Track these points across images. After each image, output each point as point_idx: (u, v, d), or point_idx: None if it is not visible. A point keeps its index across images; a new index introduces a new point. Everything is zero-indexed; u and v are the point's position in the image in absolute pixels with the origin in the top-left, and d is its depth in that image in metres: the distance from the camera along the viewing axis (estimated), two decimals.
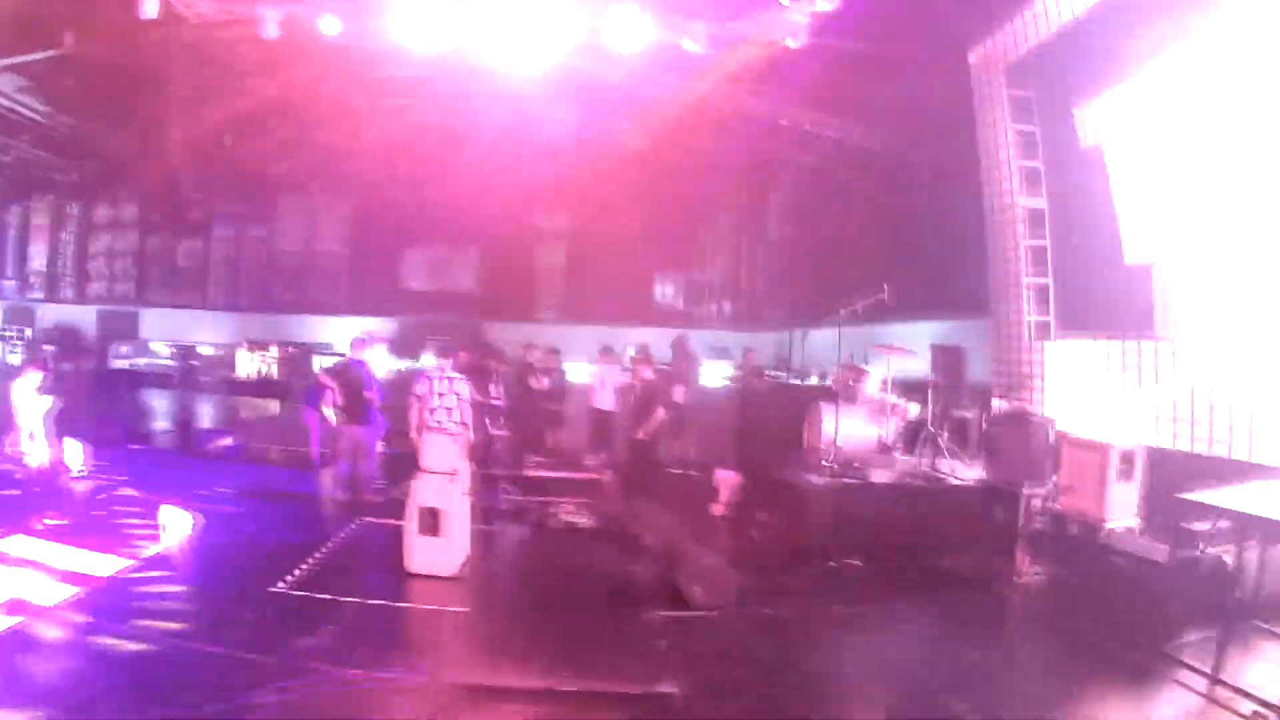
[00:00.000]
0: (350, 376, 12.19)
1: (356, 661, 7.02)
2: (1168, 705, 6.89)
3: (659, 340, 19.14)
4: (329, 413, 12.43)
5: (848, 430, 11.61)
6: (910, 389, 12.65)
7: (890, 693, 7.01)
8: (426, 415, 10.80)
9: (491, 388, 13.56)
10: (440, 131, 20.42)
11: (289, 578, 8.98)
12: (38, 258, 25.93)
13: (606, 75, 15.17)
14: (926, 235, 15.60)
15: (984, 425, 11.97)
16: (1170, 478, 8.90)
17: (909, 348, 12.81)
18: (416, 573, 9.31)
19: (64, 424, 13.00)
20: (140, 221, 26.23)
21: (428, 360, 12.27)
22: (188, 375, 22.16)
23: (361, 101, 18.89)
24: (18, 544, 9.53)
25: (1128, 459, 9.20)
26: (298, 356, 22.73)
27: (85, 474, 12.89)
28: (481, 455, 11.64)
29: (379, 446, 12.69)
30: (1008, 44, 12.59)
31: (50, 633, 7.35)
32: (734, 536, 11.29)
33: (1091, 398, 11.24)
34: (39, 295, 25.81)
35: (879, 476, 11.21)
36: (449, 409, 10.92)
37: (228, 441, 16.04)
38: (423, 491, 9.42)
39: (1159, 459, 9.50)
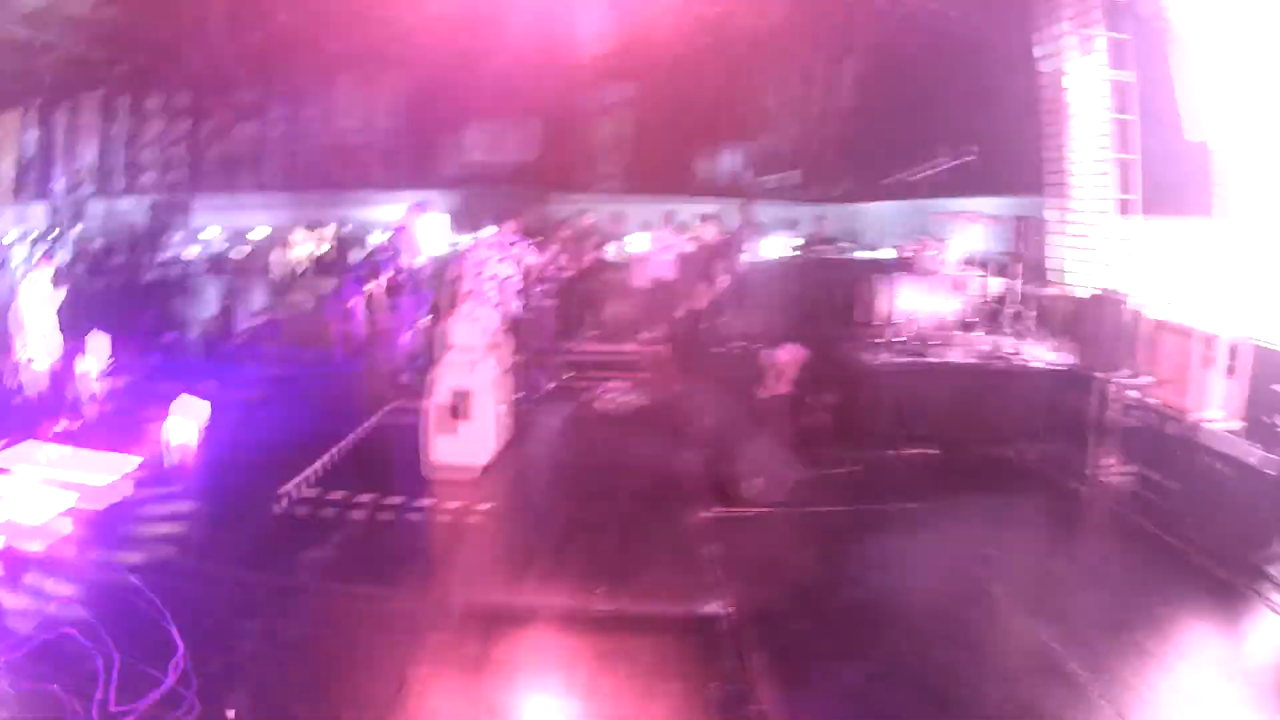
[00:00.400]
0: (391, 248, 11.60)
1: (361, 577, 6.47)
2: (1258, 631, 6.13)
3: (724, 211, 18.10)
4: (371, 288, 11.97)
5: (924, 305, 10.68)
6: (990, 264, 11.62)
7: (960, 605, 6.26)
8: (476, 284, 10.20)
9: (549, 256, 12.80)
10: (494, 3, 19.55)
11: (301, 478, 8.29)
12: (89, 154, 25.11)
13: None
14: (999, 108, 14.38)
15: (1072, 306, 10.95)
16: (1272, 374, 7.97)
17: (993, 216, 11.74)
18: (442, 464, 8.53)
19: (94, 319, 12.13)
20: (192, 108, 25.38)
21: (487, 232, 11.60)
22: (240, 261, 21.49)
23: None
24: (23, 452, 8.48)
25: (1233, 351, 8.17)
26: (353, 234, 22.16)
27: (109, 370, 12.02)
28: (529, 329, 10.91)
29: (423, 321, 12.08)
30: None
31: (41, 548, 6.83)
32: (795, 419, 10.51)
33: (1179, 282, 10.15)
34: (90, 191, 25.03)
35: (956, 356, 10.28)
36: (505, 278, 10.27)
37: (264, 326, 15.47)
38: (449, 371, 8.61)
39: (1262, 354, 8.47)
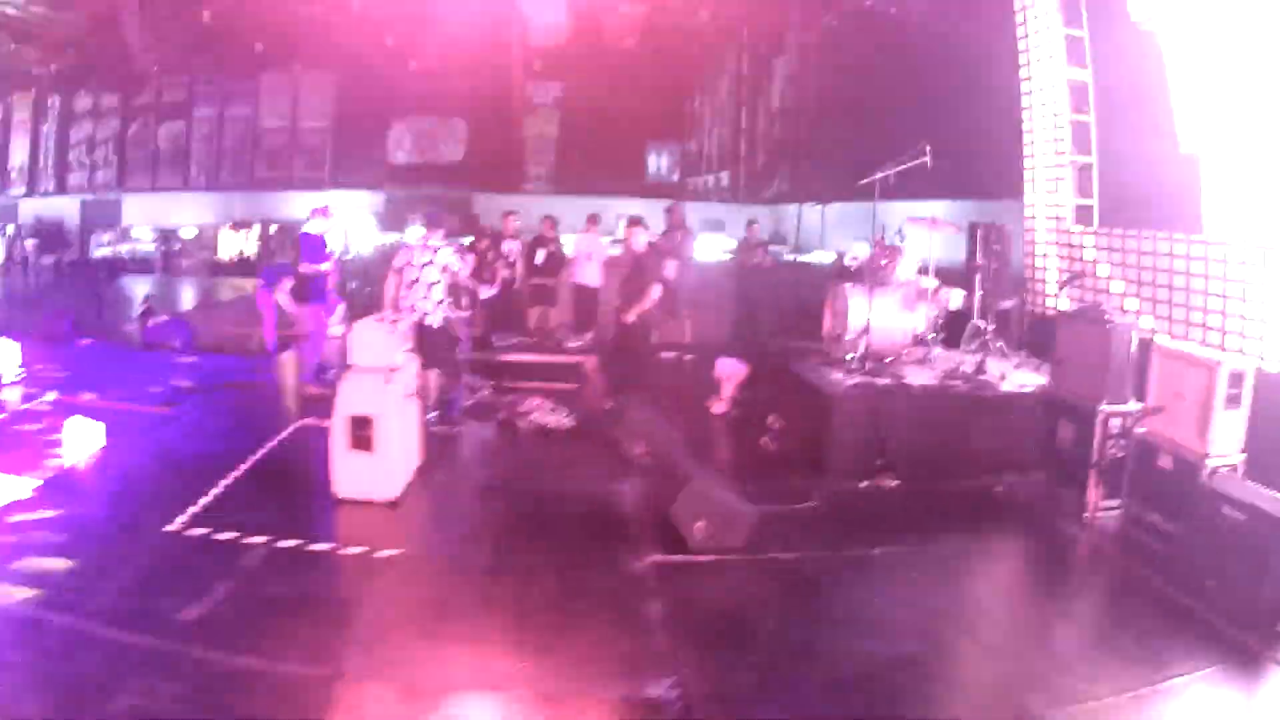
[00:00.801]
0: (302, 251, 10.55)
1: (240, 640, 5.26)
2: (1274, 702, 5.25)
3: (652, 212, 17.24)
4: (280, 295, 10.97)
5: (878, 319, 9.67)
6: (949, 273, 10.72)
7: (946, 669, 5.40)
8: (402, 292, 9.24)
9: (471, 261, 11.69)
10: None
11: (188, 515, 7.07)
12: (19, 153, 25.34)
13: None
14: (952, 107, 13.61)
15: (1045, 322, 10.11)
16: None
17: (953, 222, 10.84)
18: (347, 499, 7.39)
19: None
20: (121, 108, 25.42)
21: (413, 233, 10.77)
22: (168, 260, 21.44)
23: None
24: None
25: (1235, 380, 7.33)
26: (279, 234, 21.71)
27: (20, 378, 11.22)
28: (446, 340, 9.79)
29: (334, 329, 11.08)
30: None
31: None
32: (740, 444, 9.55)
33: (1168, 300, 9.39)
34: (20, 191, 25.10)
35: (917, 376, 9.35)
36: (430, 284, 9.20)
37: (178, 330, 14.25)
38: (349, 394, 7.38)
39: (1266, 382, 7.66)
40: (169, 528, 6.86)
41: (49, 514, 7.04)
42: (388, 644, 5.35)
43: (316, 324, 10.93)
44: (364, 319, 8.10)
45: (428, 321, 9.26)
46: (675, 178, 25.53)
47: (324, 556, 6.55)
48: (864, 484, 8.40)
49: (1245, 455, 7.27)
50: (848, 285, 10.04)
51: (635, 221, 11.07)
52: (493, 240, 13.17)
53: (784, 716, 4.80)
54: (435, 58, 21.47)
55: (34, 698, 4.57)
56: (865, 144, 15.41)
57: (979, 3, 12.66)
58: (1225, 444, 7.22)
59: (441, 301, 9.36)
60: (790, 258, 17.78)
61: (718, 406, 10.58)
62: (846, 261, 11.99)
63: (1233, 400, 7.23)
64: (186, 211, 23.76)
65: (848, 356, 9.60)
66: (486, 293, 11.69)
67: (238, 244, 21.92)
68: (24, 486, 7.48)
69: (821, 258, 16.92)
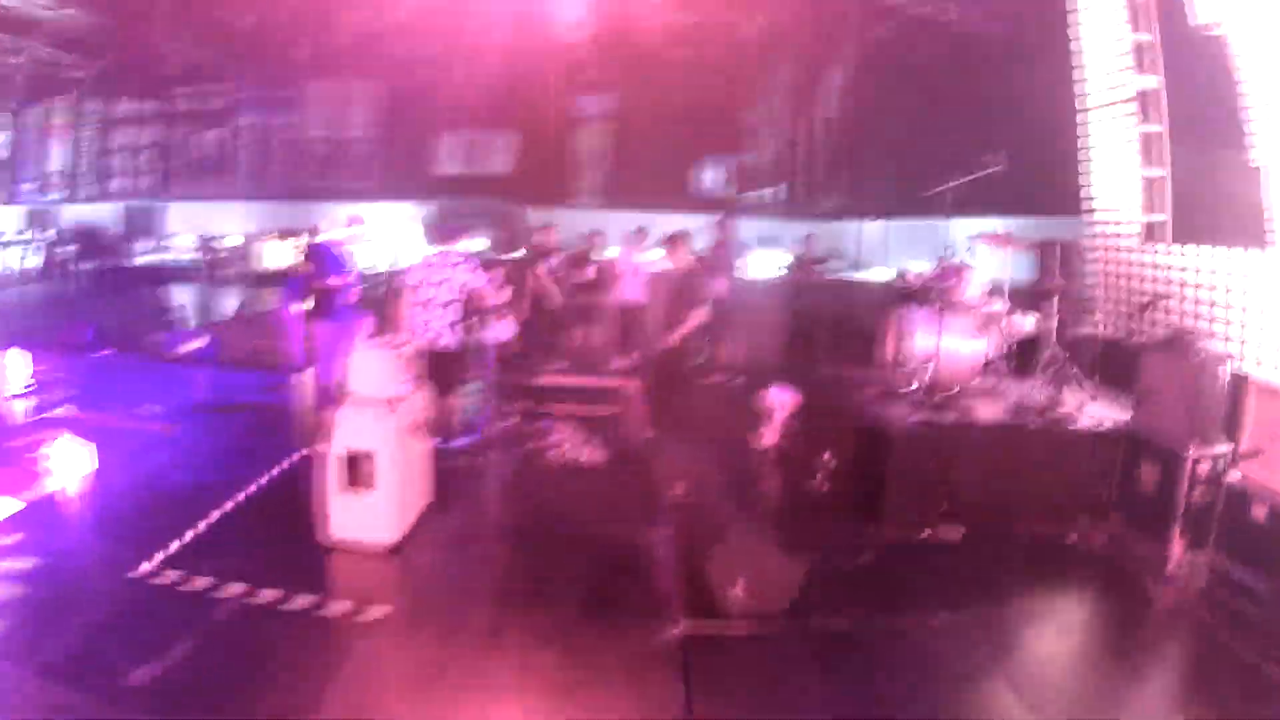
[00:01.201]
0: (322, 262, 9.90)
1: (187, 711, 4.59)
2: None
3: (703, 227, 16.47)
4: (294, 310, 10.40)
5: (944, 346, 8.70)
6: (1020, 296, 9.71)
7: None
8: (414, 311, 8.65)
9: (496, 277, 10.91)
10: (474, 9, 18.65)
11: (164, 556, 6.41)
12: (58, 158, 24.90)
13: None
14: (1012, 117, 12.63)
15: (1127, 352, 9.05)
16: None
17: (1025, 239, 9.82)
18: (341, 543, 6.63)
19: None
20: (162, 114, 25.04)
21: (465, 245, 10.11)
22: (210, 269, 20.86)
23: None
24: None
25: None
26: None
27: (28, 389, 10.68)
28: (462, 364, 9.04)
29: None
30: None
31: None
32: (787, 484, 8.64)
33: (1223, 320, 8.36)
34: (60, 196, 24.65)
35: (983, 411, 8.38)
36: (443, 303, 8.49)
37: (201, 344, 13.88)
38: (345, 427, 6.59)
39: None
40: (140, 570, 6.21)
41: (15, 544, 6.49)
42: None
43: (334, 343, 10.20)
44: (364, 341, 7.32)
45: (441, 345, 8.51)
46: (728, 191, 24.62)
47: (303, 615, 5.77)
48: (925, 534, 7.46)
49: None
50: (911, 308, 9.10)
51: (677, 237, 10.22)
52: (532, 254, 12.43)
53: None
54: (486, 68, 20.82)
55: None
56: (924, 156, 14.51)
57: (1038, 7, 11.65)
58: None
59: (456, 323, 8.61)
60: (848, 275, 16.81)
61: (765, 439, 9.67)
62: (904, 281, 11.06)
63: None
64: (230, 220, 23.23)
65: (909, 387, 8.67)
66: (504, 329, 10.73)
67: (282, 254, 21.19)
68: (14, 508, 7.04)
69: (881, 275, 15.96)
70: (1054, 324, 9.20)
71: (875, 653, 5.60)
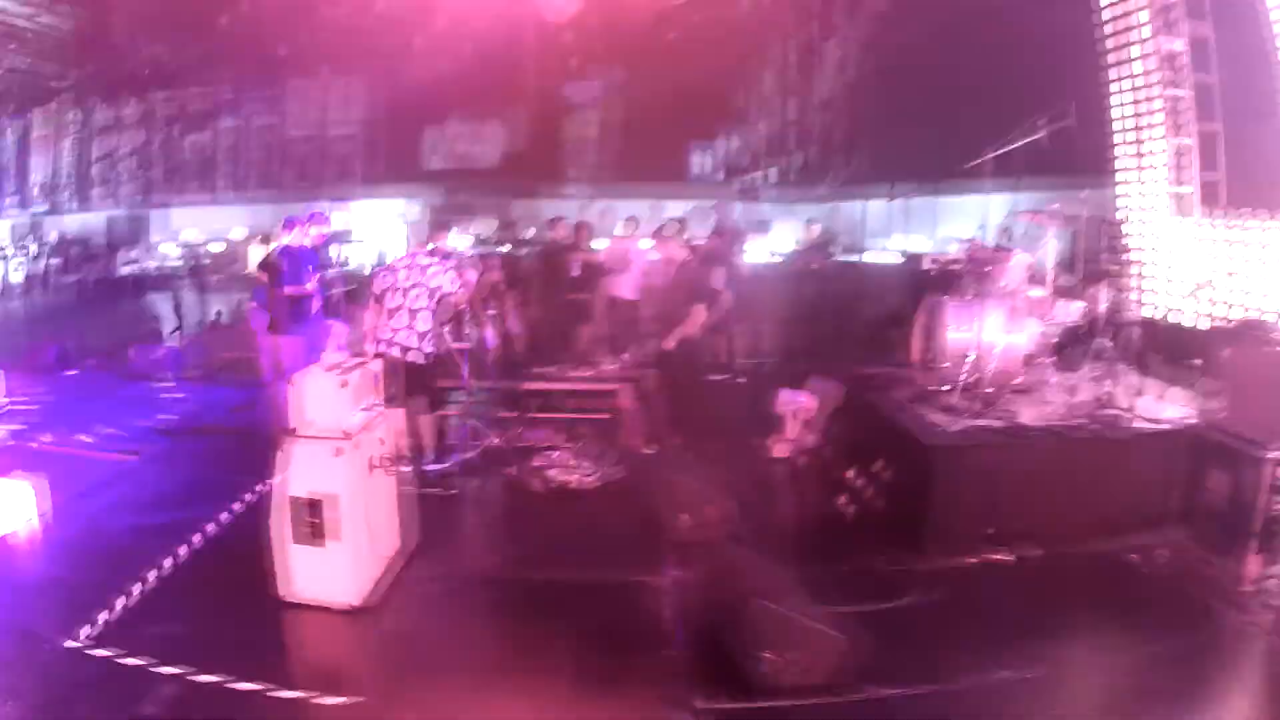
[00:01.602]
0: (277, 270, 8.98)
1: None
2: None
3: (698, 214, 15.80)
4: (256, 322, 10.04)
5: (984, 341, 7.69)
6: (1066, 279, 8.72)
7: None
8: (382, 322, 7.76)
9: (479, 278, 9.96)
10: None
11: (106, 615, 5.45)
12: (41, 169, 24.29)
13: None
14: (1027, 81, 11.68)
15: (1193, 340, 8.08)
16: None
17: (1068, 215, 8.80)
18: (296, 602, 5.59)
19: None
20: (144, 119, 24.39)
21: (454, 240, 9.29)
22: (194, 275, 20.03)
23: None
24: None
25: None
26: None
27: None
28: (436, 377, 8.10)
29: (330, 358, 9.33)
30: None
31: None
32: (809, 504, 7.66)
33: None
34: (43, 208, 24.09)
35: (1029, 413, 7.38)
36: (414, 310, 7.53)
37: (168, 358, 13.09)
38: (294, 470, 5.49)
39: None
40: (71, 642, 5.20)
41: None
42: None
43: (300, 355, 9.19)
44: (312, 365, 6.23)
45: (411, 358, 7.55)
46: (722, 176, 23.88)
47: (248, 700, 4.71)
48: (972, 560, 6.47)
49: None
50: (944, 299, 8.11)
51: (669, 227, 9.27)
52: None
53: None
54: (467, 60, 20.09)
55: None
56: (933, 130, 13.54)
57: None
58: None
59: (427, 333, 7.64)
60: (854, 258, 15.78)
61: (780, 448, 8.68)
62: (934, 264, 10.08)
63: None
64: (215, 224, 22.90)
65: (944, 388, 7.69)
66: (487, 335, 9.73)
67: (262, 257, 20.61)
68: None
69: (887, 258, 15.01)
70: (1104, 310, 8.17)
71: None
